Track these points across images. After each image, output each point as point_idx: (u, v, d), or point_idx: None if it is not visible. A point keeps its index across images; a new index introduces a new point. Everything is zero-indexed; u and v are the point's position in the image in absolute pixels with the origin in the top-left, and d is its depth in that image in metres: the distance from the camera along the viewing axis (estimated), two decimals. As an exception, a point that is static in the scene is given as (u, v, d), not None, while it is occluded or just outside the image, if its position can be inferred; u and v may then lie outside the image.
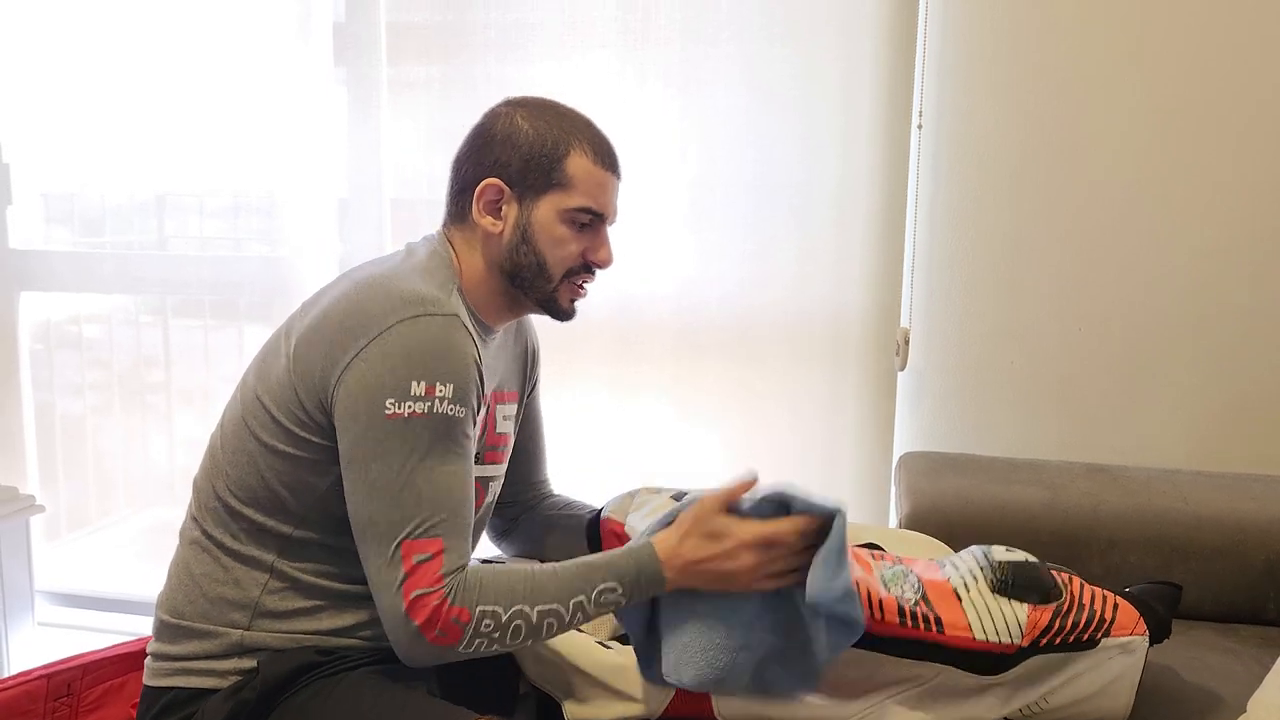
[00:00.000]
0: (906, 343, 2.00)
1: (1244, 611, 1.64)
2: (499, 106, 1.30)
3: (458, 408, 1.13)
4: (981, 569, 1.29)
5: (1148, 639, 1.26)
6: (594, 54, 2.03)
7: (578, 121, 1.28)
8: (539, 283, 1.27)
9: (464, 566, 1.13)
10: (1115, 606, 1.27)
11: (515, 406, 1.42)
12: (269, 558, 1.21)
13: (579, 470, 2.09)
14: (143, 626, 2.30)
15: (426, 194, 2.16)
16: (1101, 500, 1.68)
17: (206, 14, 2.20)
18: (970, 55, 1.93)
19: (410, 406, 1.11)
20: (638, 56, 2.01)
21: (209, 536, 1.23)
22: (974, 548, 1.35)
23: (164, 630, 1.24)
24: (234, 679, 1.18)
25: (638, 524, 1.37)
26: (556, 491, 1.58)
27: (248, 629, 1.20)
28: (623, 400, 2.11)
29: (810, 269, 2.00)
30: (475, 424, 1.19)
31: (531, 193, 1.24)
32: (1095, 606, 1.26)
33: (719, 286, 2.04)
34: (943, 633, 1.21)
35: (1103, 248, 1.94)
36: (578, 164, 1.24)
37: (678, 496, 1.41)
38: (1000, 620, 1.23)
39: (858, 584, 1.20)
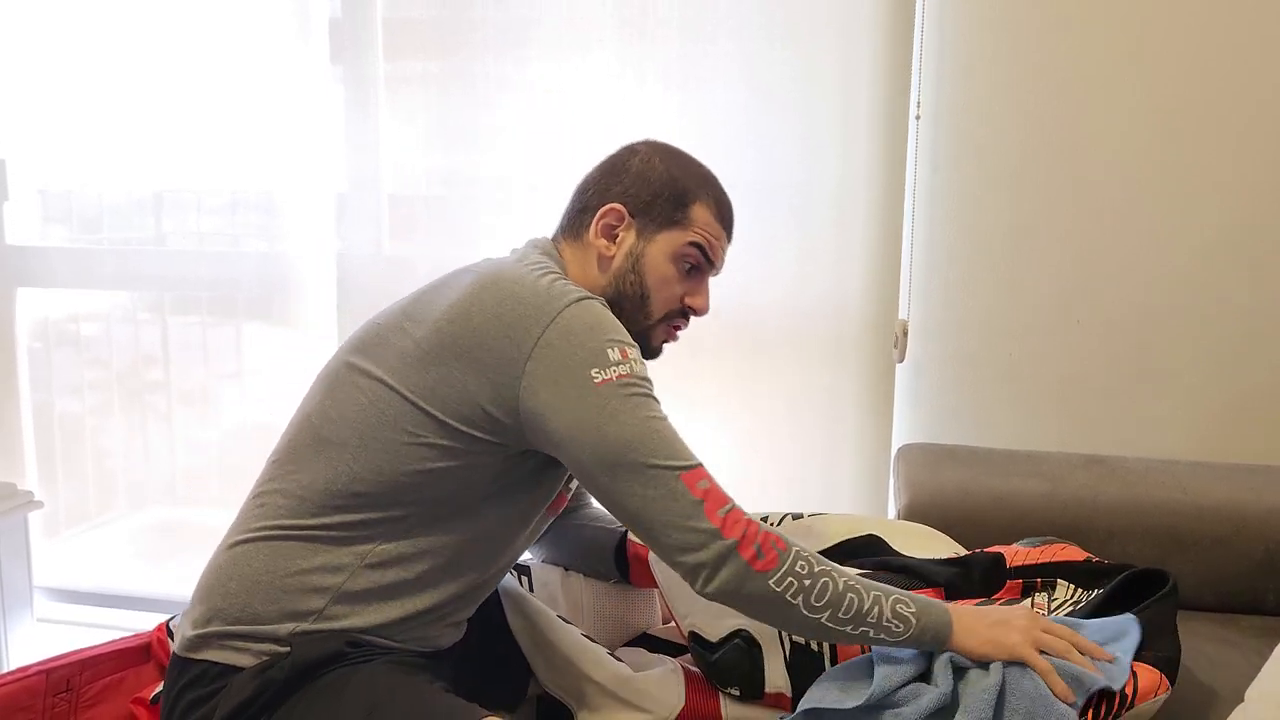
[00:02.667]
0: (905, 335, 2.00)
1: (1243, 602, 1.64)
2: (638, 144, 1.35)
3: (644, 368, 1.17)
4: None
5: (1171, 690, 1.21)
6: (592, 51, 2.03)
7: (709, 177, 1.33)
8: (638, 316, 1.30)
9: None
10: (1135, 678, 1.19)
11: None
12: (369, 548, 1.19)
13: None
14: (142, 622, 2.30)
15: (424, 190, 2.16)
16: (1100, 491, 1.68)
17: (203, 11, 2.20)
18: (968, 48, 1.93)
19: (615, 370, 1.14)
20: (636, 53, 2.01)
21: (311, 516, 1.20)
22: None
23: (219, 602, 1.20)
24: (265, 658, 1.17)
25: (658, 561, 1.37)
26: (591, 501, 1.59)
27: (314, 620, 1.17)
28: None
29: (809, 262, 2.00)
30: None
31: (652, 226, 1.29)
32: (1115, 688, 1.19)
33: (718, 279, 2.04)
34: None
35: (1101, 240, 1.94)
36: (701, 212, 1.30)
37: None
38: None
39: None
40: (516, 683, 1.38)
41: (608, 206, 1.29)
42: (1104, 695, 1.16)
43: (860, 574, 1.31)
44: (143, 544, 2.44)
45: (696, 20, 1.98)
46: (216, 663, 1.18)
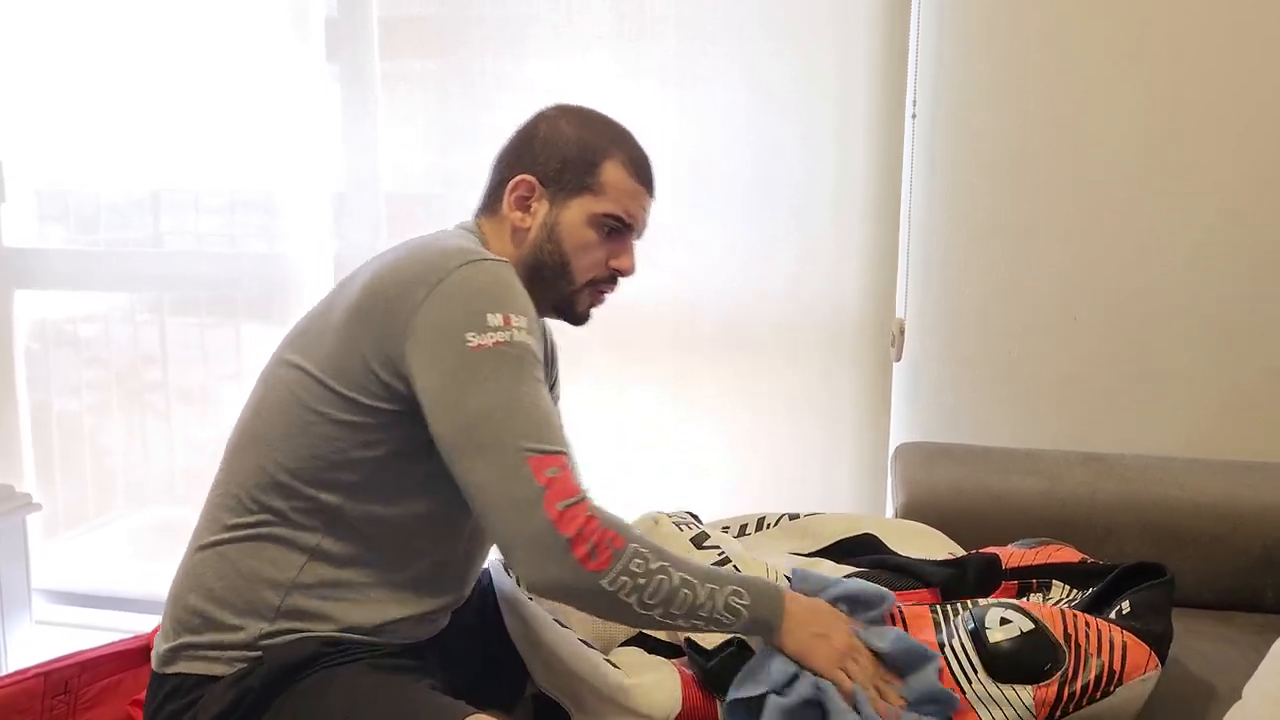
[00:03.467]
0: (902, 333, 2.00)
1: (1241, 599, 1.64)
2: (547, 109, 1.32)
3: (534, 340, 1.14)
4: (977, 650, 1.24)
5: (1160, 670, 1.24)
6: (590, 49, 2.03)
7: (619, 133, 1.30)
8: (560, 284, 1.28)
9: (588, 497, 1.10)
10: (1124, 649, 1.23)
11: None
12: (313, 538, 1.19)
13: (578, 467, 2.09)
14: (140, 624, 2.30)
15: (423, 188, 2.16)
16: (1098, 489, 1.68)
17: (200, 10, 2.20)
18: (964, 45, 1.93)
19: (492, 336, 1.11)
20: (634, 51, 2.01)
21: (251, 514, 1.20)
22: (966, 615, 1.29)
23: (184, 615, 1.21)
24: (240, 666, 1.17)
25: None
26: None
27: (275, 618, 1.18)
28: (622, 395, 2.11)
29: (806, 260, 2.00)
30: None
31: (564, 193, 1.27)
32: (1103, 657, 1.22)
33: (716, 280, 2.04)
34: None
35: (1098, 237, 1.94)
36: (613, 172, 1.27)
37: (697, 541, 1.41)
38: (1008, 708, 1.20)
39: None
40: (513, 682, 1.38)
41: (518, 178, 1.27)
42: (1088, 667, 1.20)
43: (855, 573, 1.31)
44: (141, 546, 2.44)
45: (694, 19, 1.98)
46: (191, 674, 1.18)
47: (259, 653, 1.17)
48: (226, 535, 1.21)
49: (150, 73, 2.24)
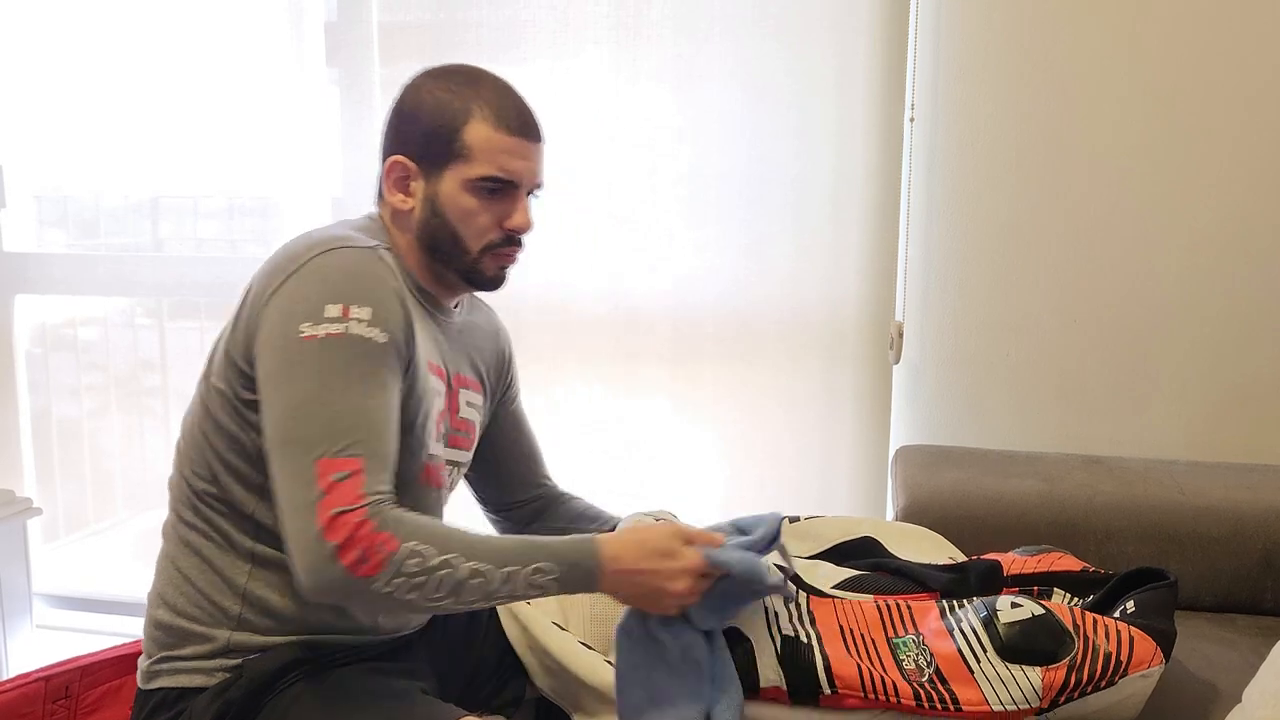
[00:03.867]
0: (901, 336, 2.00)
1: (1241, 601, 1.64)
2: (412, 79, 1.27)
3: (377, 331, 1.10)
4: (987, 631, 1.26)
5: (1164, 665, 1.25)
6: (587, 51, 2.03)
7: (482, 86, 1.23)
8: (456, 255, 1.24)
9: (388, 496, 1.07)
10: (1131, 642, 1.24)
11: (480, 397, 1.39)
12: (247, 543, 1.19)
13: (577, 467, 2.10)
14: (140, 628, 2.30)
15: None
16: (1098, 491, 1.68)
17: (199, 16, 2.20)
18: (962, 47, 1.93)
19: (326, 328, 1.08)
20: (630, 53, 2.01)
21: (190, 528, 1.21)
22: (978, 601, 1.32)
23: (155, 632, 1.22)
24: (221, 677, 1.17)
25: None
26: (565, 489, 1.56)
27: (236, 627, 1.18)
28: (619, 396, 2.11)
29: (805, 263, 2.00)
30: (404, 364, 1.15)
31: (435, 167, 1.22)
32: (1110, 647, 1.24)
33: (714, 282, 2.04)
34: (960, 711, 1.21)
35: (1098, 239, 1.94)
36: (476, 132, 1.21)
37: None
38: (1015, 689, 1.21)
39: (865, 670, 1.22)
40: (513, 685, 1.38)
41: (390, 161, 1.24)
42: (1095, 654, 1.21)
43: (854, 577, 1.30)
44: (142, 549, 2.44)
45: (690, 19, 1.98)
46: (173, 688, 1.18)
47: (238, 660, 1.17)
48: (176, 549, 1.22)
49: (150, 78, 2.24)
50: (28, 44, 2.29)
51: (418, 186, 1.23)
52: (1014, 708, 1.21)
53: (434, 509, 1.30)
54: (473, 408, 1.37)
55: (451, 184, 1.22)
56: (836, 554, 1.52)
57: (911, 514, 1.68)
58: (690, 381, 2.08)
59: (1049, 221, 1.95)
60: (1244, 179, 1.88)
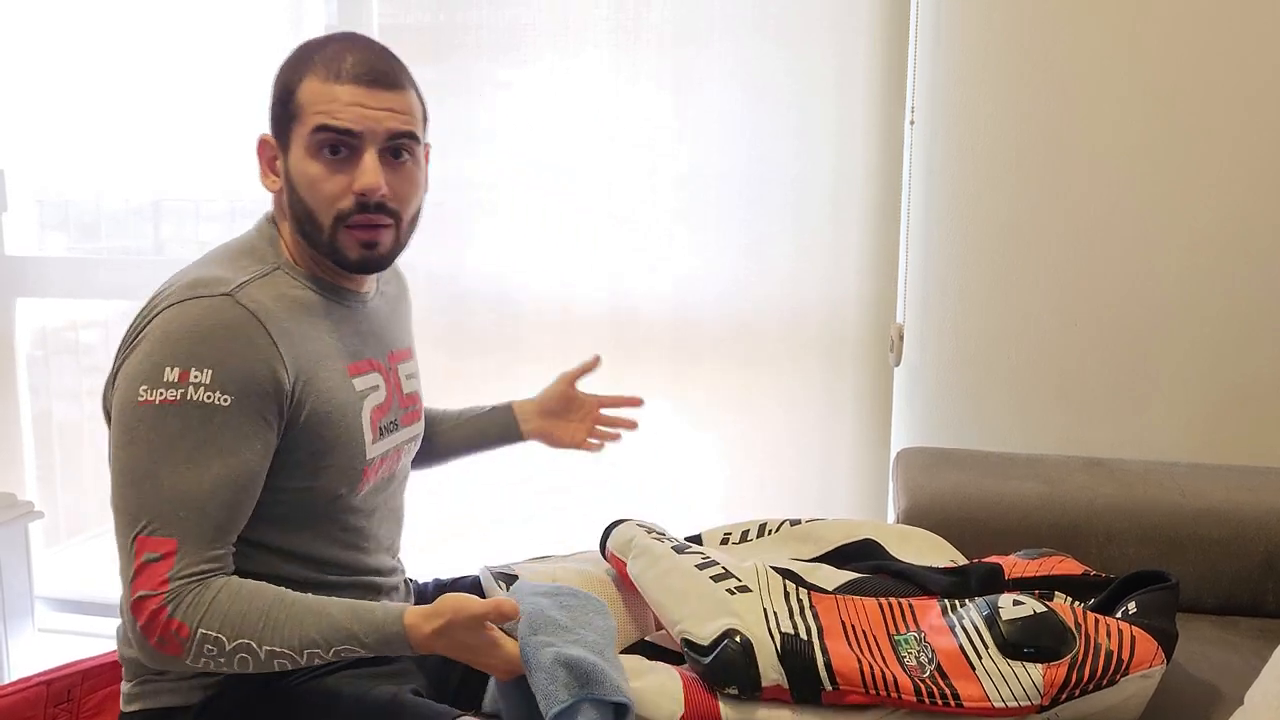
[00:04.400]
0: (901, 338, 2.00)
1: (1242, 604, 1.63)
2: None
3: (219, 396, 1.05)
4: (989, 628, 1.27)
5: (1165, 665, 1.25)
6: (587, 53, 2.03)
7: (327, 46, 1.14)
8: (315, 235, 1.15)
9: (199, 574, 1.05)
10: (1133, 641, 1.25)
11: (413, 364, 1.37)
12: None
13: (576, 467, 2.09)
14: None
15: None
16: (1099, 493, 1.68)
17: (200, 18, 2.20)
18: (963, 50, 1.93)
19: (162, 394, 1.05)
20: (631, 55, 2.01)
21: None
22: (980, 599, 1.33)
23: (129, 660, 1.21)
24: (202, 695, 1.16)
25: (639, 574, 1.38)
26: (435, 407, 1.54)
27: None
28: (619, 398, 2.11)
29: (805, 266, 2.00)
30: (278, 407, 1.10)
31: (283, 138, 1.15)
32: (1112, 646, 1.24)
33: (714, 284, 2.04)
34: (961, 707, 1.21)
35: (1098, 241, 1.94)
36: (308, 89, 1.12)
37: (678, 549, 1.41)
38: (1017, 685, 1.21)
39: (865, 665, 1.21)
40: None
41: (258, 140, 1.19)
42: (1097, 652, 1.22)
43: (855, 579, 1.30)
44: (143, 552, 2.43)
45: (690, 21, 1.98)
46: (155, 709, 1.17)
47: (218, 678, 1.16)
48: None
49: (151, 81, 2.24)
50: (29, 47, 2.29)
51: (281, 165, 1.17)
52: (1015, 704, 1.21)
53: (395, 493, 1.31)
54: (412, 379, 1.35)
55: (296, 152, 1.14)
56: (838, 556, 1.52)
57: (912, 516, 1.68)
58: (690, 382, 2.08)
59: (1049, 222, 1.95)
60: (1244, 179, 1.88)
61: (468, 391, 2.02)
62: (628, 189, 2.05)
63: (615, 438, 1.57)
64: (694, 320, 2.06)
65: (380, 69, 1.13)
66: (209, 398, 1.05)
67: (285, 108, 1.14)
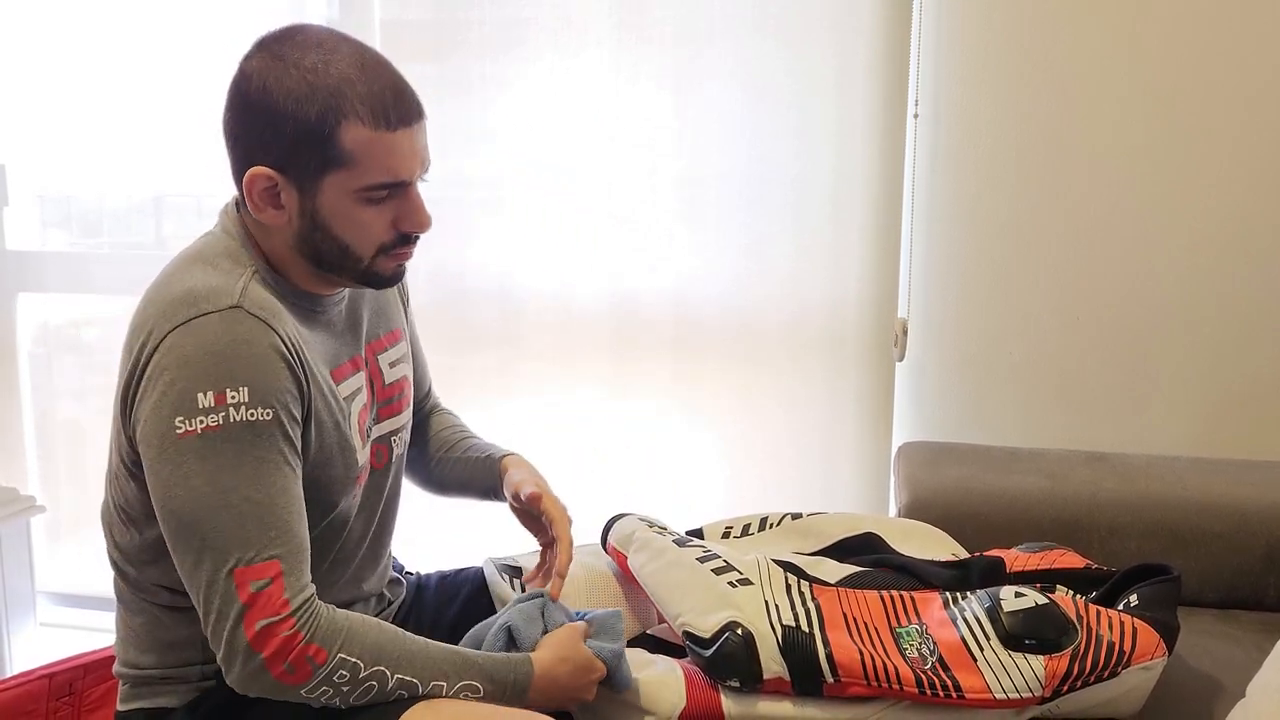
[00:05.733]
0: (904, 333, 2.00)
1: (1244, 597, 1.64)
2: (250, 62, 1.12)
3: (260, 411, 1.02)
4: (991, 619, 1.27)
5: (1167, 657, 1.26)
6: (588, 51, 2.03)
7: (343, 77, 1.06)
8: (348, 264, 1.11)
9: (311, 595, 1.03)
10: (1134, 633, 1.25)
11: (402, 345, 1.32)
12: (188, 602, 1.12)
13: (576, 467, 2.09)
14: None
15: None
16: (1101, 488, 1.68)
17: (200, 14, 2.20)
18: (966, 45, 1.93)
19: (202, 421, 1.00)
20: (632, 53, 2.01)
21: (133, 589, 1.23)
22: (982, 592, 1.33)
23: (126, 660, 1.21)
24: (197, 693, 1.16)
25: (640, 567, 1.39)
26: (445, 405, 1.50)
27: (206, 661, 1.14)
28: (621, 396, 2.11)
29: (807, 262, 2.00)
30: (301, 415, 1.08)
31: (309, 176, 1.07)
32: (1113, 637, 1.24)
33: (716, 281, 2.04)
34: (963, 698, 1.21)
35: (1101, 236, 1.94)
36: (354, 135, 1.05)
37: (679, 542, 1.41)
38: (1018, 676, 1.22)
39: (867, 656, 1.23)
40: None
41: (250, 174, 1.08)
42: (1098, 644, 1.22)
43: (856, 573, 1.30)
44: (145, 548, 2.43)
45: (691, 19, 1.98)
46: (148, 708, 1.17)
47: (212, 680, 1.15)
48: (126, 608, 1.24)
49: (152, 77, 2.24)
50: (31, 43, 2.29)
51: (290, 198, 1.08)
52: (1016, 695, 1.21)
53: (393, 486, 1.29)
54: (396, 365, 1.29)
55: (334, 194, 1.07)
56: (839, 550, 1.53)
57: (914, 510, 1.68)
58: (691, 381, 2.08)
59: (1050, 221, 1.95)
60: (1244, 179, 1.88)
61: (469, 388, 2.03)
62: (628, 188, 2.04)
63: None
64: (695, 319, 2.06)
65: (410, 100, 1.09)
66: (252, 415, 1.01)
67: (320, 151, 1.05)
